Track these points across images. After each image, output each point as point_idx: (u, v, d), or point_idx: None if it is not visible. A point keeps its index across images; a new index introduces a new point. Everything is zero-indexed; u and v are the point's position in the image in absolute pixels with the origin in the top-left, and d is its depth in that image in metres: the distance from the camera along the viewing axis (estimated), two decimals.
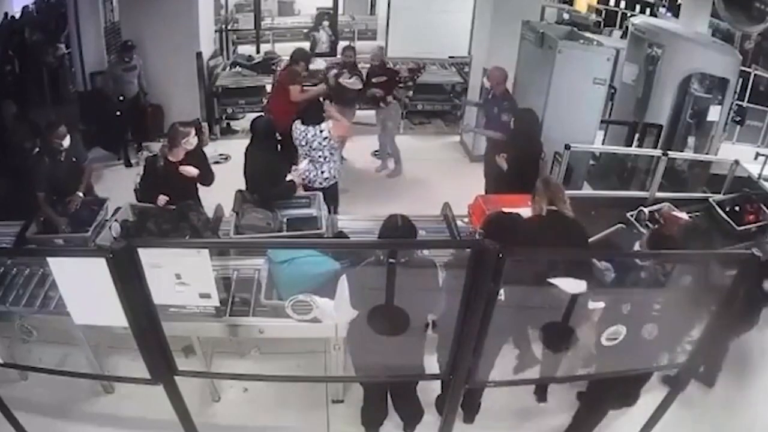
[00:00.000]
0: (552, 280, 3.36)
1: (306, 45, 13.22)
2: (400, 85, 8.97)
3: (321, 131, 6.60)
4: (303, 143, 6.69)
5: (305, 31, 13.69)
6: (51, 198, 5.94)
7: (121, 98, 9.30)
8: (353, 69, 8.99)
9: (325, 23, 12.98)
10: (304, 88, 8.51)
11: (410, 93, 9.44)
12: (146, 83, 9.63)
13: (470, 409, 5.08)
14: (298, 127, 6.71)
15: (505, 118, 7.21)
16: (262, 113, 8.23)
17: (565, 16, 16.28)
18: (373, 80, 9.01)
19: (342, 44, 13.31)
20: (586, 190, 7.94)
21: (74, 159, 6.29)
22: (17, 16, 12.64)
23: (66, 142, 6.13)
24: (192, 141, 5.94)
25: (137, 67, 9.41)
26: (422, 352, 4.13)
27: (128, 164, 9.31)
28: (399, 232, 3.94)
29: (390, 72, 9.25)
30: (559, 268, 3.60)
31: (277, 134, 6.82)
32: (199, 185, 6.13)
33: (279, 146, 7.02)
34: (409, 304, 3.42)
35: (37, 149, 6.61)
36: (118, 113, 9.25)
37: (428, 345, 4.16)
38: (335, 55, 12.57)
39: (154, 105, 9.85)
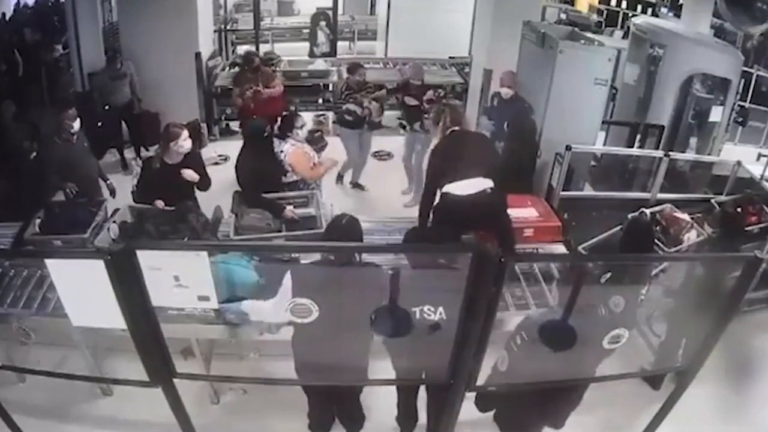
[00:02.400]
0: None
1: (305, 45, 13.31)
2: (425, 115, 8.54)
3: (281, 152, 6.50)
4: None
5: (305, 31, 13.71)
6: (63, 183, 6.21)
7: (107, 107, 9.11)
8: (362, 90, 8.51)
9: (322, 23, 12.94)
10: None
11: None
12: (140, 90, 9.43)
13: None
14: None
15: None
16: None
17: (562, 16, 16.30)
18: (405, 100, 8.59)
19: (341, 44, 13.39)
20: (588, 192, 7.93)
21: (85, 144, 6.39)
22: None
23: (76, 124, 6.27)
24: (182, 144, 5.80)
25: (127, 74, 9.23)
26: (367, 355, 4.12)
27: (125, 167, 9.16)
28: (342, 230, 4.14)
29: (422, 93, 8.50)
30: None
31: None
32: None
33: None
34: (359, 305, 3.58)
35: (35, 153, 6.64)
36: (100, 124, 8.95)
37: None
38: (335, 56, 12.59)
39: (150, 112, 9.60)
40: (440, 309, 3.80)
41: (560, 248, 5.80)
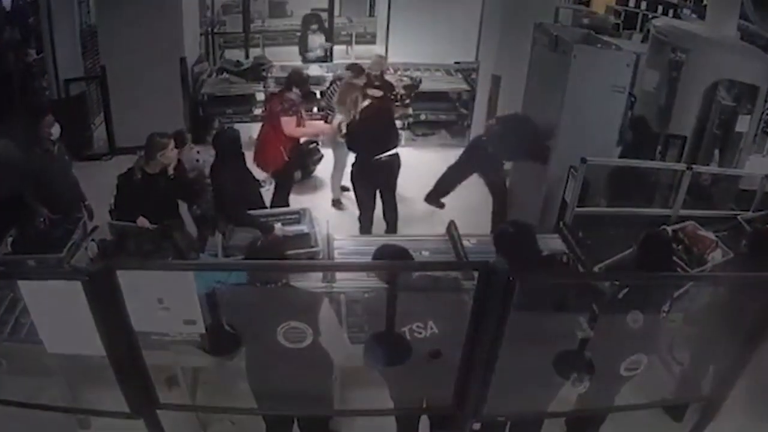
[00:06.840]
0: None
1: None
2: (397, 104, 8.59)
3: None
4: None
5: (298, 34, 13.76)
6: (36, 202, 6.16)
7: None
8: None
9: (314, 26, 12.93)
10: (304, 120, 8.19)
11: (410, 111, 9.09)
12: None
13: None
14: None
15: None
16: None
17: (585, 21, 16.33)
18: (369, 92, 8.70)
19: (337, 48, 13.38)
20: (604, 208, 7.94)
21: (66, 157, 6.45)
22: None
23: (55, 131, 6.29)
24: (169, 155, 5.98)
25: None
26: (330, 383, 4.30)
27: None
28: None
29: (387, 86, 8.81)
30: None
31: (267, 175, 7.23)
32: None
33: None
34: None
35: None
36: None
37: None
38: (331, 60, 12.63)
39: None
40: (430, 323, 3.85)
41: None
